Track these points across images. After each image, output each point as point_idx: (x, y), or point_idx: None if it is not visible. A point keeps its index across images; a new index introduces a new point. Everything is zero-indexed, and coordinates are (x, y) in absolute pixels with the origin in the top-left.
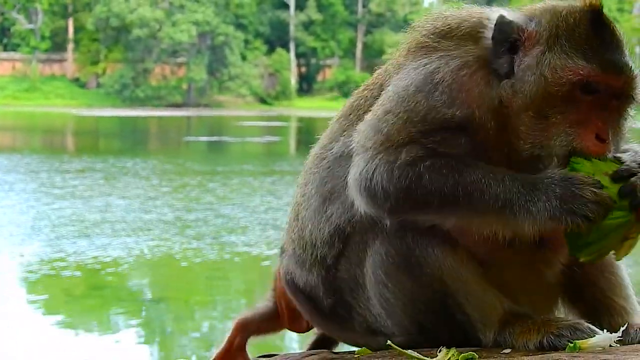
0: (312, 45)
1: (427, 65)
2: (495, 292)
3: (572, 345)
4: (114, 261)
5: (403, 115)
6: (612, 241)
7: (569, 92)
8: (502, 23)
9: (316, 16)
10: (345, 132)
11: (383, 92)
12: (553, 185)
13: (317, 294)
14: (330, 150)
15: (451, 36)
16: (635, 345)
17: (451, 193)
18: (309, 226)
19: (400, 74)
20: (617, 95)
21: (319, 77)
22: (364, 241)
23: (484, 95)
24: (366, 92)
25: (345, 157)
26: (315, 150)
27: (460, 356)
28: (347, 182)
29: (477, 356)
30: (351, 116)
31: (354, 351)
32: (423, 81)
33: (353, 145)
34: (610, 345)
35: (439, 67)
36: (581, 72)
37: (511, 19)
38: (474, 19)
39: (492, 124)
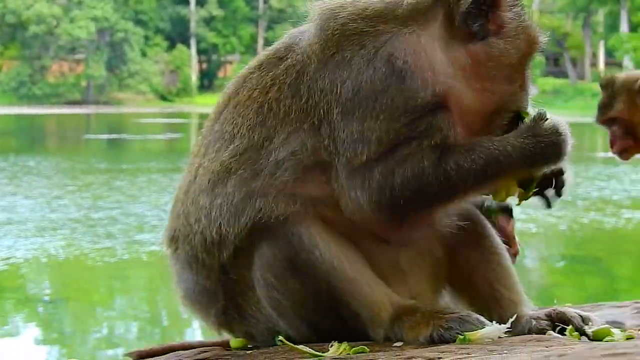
0: (213, 42)
1: (378, 55)
2: (383, 288)
3: (462, 337)
4: (21, 262)
5: (382, 115)
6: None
7: (535, 50)
8: None
9: (217, 12)
10: (273, 139)
11: (303, 91)
12: (552, 137)
13: (209, 298)
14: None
15: (391, 17)
16: (523, 336)
17: (477, 180)
18: (199, 230)
19: (340, 70)
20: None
21: (220, 74)
22: (252, 245)
23: (448, 65)
24: (274, 94)
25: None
26: (219, 156)
27: (352, 350)
28: (353, 201)
29: (368, 350)
30: (270, 122)
31: (250, 347)
32: (385, 73)
33: (278, 155)
34: (500, 337)
35: (394, 53)
36: (547, 30)
37: None
38: None
39: (462, 92)
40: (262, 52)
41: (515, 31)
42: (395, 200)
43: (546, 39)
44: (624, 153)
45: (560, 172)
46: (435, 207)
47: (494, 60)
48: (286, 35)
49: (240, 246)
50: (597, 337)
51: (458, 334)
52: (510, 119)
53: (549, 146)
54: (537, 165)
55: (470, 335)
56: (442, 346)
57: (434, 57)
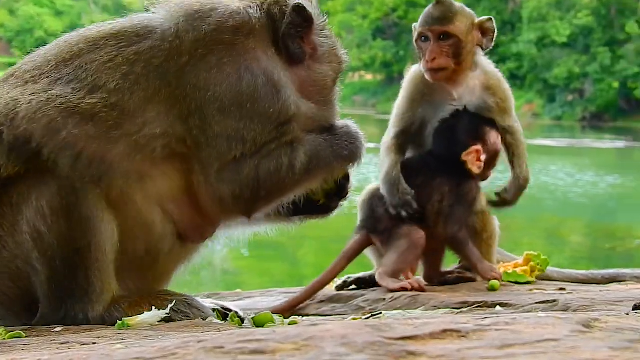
0: None
1: (255, 66)
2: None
3: (120, 322)
4: None
5: (257, 118)
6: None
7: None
8: (300, 9)
9: None
10: (145, 113)
11: (172, 79)
12: (355, 135)
13: None
14: None
15: (249, 32)
16: (183, 322)
17: (311, 176)
18: None
19: (215, 72)
20: None
21: None
22: (28, 185)
23: (287, 82)
24: (141, 70)
25: None
26: (80, 95)
27: (7, 335)
28: (216, 194)
29: (25, 335)
30: (138, 95)
31: None
32: (263, 82)
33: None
34: (158, 322)
35: (268, 68)
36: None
37: (304, 4)
38: (242, 12)
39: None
40: (110, 23)
41: (329, 54)
42: (257, 194)
43: (349, 57)
44: (440, 72)
45: (347, 178)
46: (280, 200)
47: (316, 84)
48: (131, 17)
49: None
50: (258, 323)
51: (118, 319)
52: None
53: (355, 147)
54: (348, 164)
55: (129, 320)
56: (99, 332)
57: (286, 75)
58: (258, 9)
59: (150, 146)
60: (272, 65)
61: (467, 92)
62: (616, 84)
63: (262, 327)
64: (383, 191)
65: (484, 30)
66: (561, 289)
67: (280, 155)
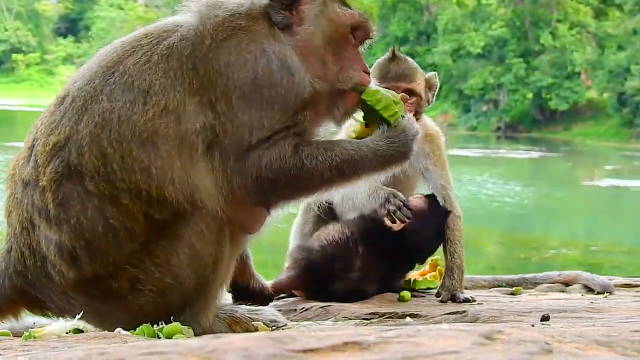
0: None
1: (269, 50)
2: None
3: (27, 334)
4: None
5: (276, 105)
6: None
7: (346, 33)
8: None
9: None
10: (186, 107)
11: (199, 66)
12: (402, 137)
13: None
14: None
15: (256, 16)
16: (90, 333)
17: (333, 174)
18: None
19: (233, 56)
20: (367, 38)
21: None
22: None
23: (299, 59)
24: (175, 63)
25: None
26: (139, 109)
27: None
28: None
29: None
30: (179, 89)
31: None
32: (278, 67)
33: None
34: (67, 333)
35: (280, 50)
36: (355, 17)
37: None
38: None
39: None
40: (143, 28)
41: (316, 19)
42: (260, 183)
43: (362, 20)
44: None
45: None
46: (295, 194)
47: (307, 45)
48: (163, 19)
49: None
50: (167, 335)
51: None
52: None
53: (399, 147)
54: (390, 166)
55: (36, 331)
56: (5, 343)
57: (295, 54)
58: None
59: (194, 143)
60: (282, 46)
61: None
62: (530, 95)
63: (171, 338)
64: None
65: (429, 85)
66: (472, 299)
67: (285, 145)
